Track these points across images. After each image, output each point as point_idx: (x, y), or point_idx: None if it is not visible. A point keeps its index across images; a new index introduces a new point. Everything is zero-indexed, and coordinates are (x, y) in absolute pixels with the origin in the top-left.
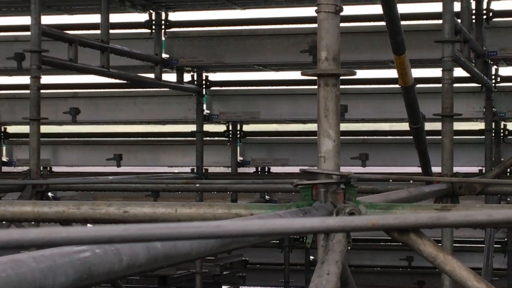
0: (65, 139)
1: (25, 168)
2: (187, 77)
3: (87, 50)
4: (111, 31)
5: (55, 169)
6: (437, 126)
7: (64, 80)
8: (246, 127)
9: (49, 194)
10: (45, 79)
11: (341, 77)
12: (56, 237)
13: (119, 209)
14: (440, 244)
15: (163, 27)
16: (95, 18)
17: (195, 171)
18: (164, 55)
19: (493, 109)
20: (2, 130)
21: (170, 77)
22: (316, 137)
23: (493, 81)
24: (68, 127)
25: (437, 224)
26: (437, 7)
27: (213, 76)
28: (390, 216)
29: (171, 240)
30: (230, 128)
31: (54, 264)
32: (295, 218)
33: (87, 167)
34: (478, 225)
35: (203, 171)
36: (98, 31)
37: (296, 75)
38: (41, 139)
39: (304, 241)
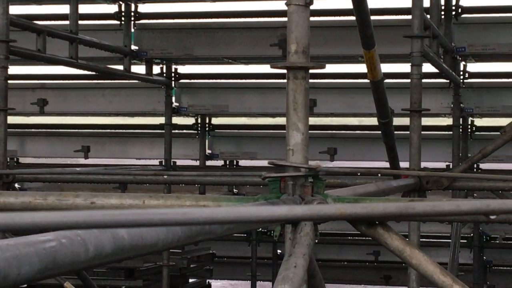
0: (33, 130)
1: None
2: (156, 69)
3: (56, 41)
4: (80, 22)
5: (22, 160)
6: (406, 121)
7: (32, 71)
8: (215, 120)
9: (16, 185)
10: (13, 70)
11: (310, 71)
12: (19, 222)
13: (86, 200)
14: (407, 239)
15: (132, 18)
16: (64, 9)
17: (163, 163)
18: (133, 47)
19: (461, 105)
20: None
21: (139, 69)
22: (285, 131)
23: (461, 77)
24: (36, 118)
25: (405, 214)
26: (407, 2)
27: (182, 69)
28: (358, 205)
29: (137, 226)
30: (199, 121)
31: (19, 253)
32: (263, 207)
33: (55, 158)
34: (446, 215)
35: (171, 163)
36: (67, 22)
37: (265, 68)
38: (8, 130)
39: (272, 234)
